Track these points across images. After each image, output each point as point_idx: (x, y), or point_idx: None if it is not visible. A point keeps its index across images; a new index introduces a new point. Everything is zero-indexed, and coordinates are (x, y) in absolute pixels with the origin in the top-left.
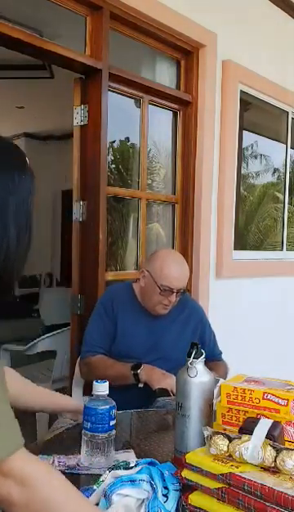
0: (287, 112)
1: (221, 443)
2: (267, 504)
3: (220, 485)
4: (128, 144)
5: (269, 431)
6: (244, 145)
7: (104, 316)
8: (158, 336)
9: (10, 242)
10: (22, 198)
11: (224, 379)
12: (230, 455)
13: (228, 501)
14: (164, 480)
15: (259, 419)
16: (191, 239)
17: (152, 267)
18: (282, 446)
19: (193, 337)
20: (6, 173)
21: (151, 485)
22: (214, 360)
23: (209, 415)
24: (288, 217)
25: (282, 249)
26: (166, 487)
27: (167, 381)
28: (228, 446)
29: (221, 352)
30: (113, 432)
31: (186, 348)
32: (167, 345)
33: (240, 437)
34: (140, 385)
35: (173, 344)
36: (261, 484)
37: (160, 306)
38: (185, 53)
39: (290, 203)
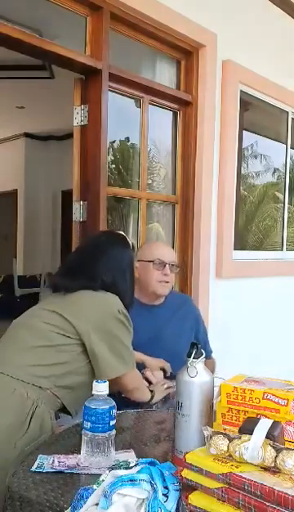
0: (287, 112)
1: (221, 443)
2: (267, 504)
3: (220, 485)
4: (128, 144)
5: (269, 431)
6: (244, 146)
7: None
8: (158, 329)
9: (129, 288)
10: (131, 263)
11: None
12: (230, 455)
13: (228, 501)
14: (164, 480)
15: (259, 419)
16: (191, 239)
17: (141, 254)
18: (282, 446)
19: (191, 333)
20: (124, 251)
21: (151, 485)
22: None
23: (209, 415)
24: (288, 217)
25: (282, 249)
26: (166, 487)
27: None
28: (228, 446)
29: (212, 351)
30: (113, 432)
31: (186, 342)
32: (169, 338)
33: (240, 437)
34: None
35: (174, 338)
36: (261, 484)
37: (158, 284)
38: (185, 53)
39: (290, 203)
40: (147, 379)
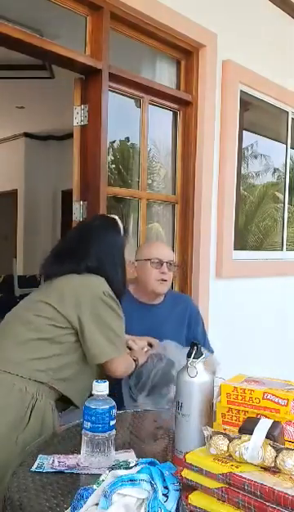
0: (287, 112)
1: (221, 443)
2: (267, 504)
3: (220, 485)
4: (128, 144)
5: (269, 431)
6: (244, 146)
7: None
8: (157, 328)
9: (119, 273)
10: (120, 247)
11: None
12: (230, 455)
13: (228, 501)
14: (164, 480)
15: (259, 419)
16: (191, 239)
17: (139, 254)
18: (282, 446)
19: (189, 332)
20: (113, 234)
21: (151, 485)
22: None
23: (209, 415)
24: (288, 217)
25: (282, 249)
26: (166, 487)
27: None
28: (228, 446)
29: (213, 351)
30: (113, 432)
31: (185, 339)
32: (168, 337)
33: (240, 437)
34: None
35: (173, 337)
36: (261, 484)
37: (156, 283)
38: (185, 53)
39: (290, 203)
40: (129, 348)
